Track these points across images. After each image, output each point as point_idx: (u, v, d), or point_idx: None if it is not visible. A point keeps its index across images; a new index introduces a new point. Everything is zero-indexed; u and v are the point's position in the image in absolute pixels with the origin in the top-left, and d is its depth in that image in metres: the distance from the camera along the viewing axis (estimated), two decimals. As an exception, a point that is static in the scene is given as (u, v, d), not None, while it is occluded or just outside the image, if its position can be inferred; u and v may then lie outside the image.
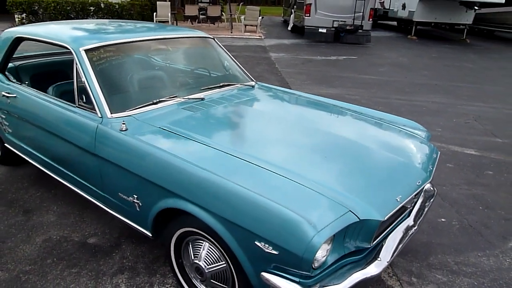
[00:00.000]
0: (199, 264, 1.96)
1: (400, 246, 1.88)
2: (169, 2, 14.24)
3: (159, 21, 13.15)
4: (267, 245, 1.55)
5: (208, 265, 1.94)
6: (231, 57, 3.30)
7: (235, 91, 2.88)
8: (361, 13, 12.45)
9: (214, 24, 15.26)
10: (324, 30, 12.80)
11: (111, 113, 2.26)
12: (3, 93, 2.89)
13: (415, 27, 15.17)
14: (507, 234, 2.93)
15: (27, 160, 3.02)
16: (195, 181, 1.75)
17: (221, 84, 2.89)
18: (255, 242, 1.59)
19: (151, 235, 2.16)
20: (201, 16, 14.62)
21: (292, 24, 15.51)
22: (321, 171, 1.84)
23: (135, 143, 2.02)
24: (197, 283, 2.08)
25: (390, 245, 1.84)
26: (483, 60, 11.06)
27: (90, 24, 3.14)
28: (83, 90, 2.39)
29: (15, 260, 2.39)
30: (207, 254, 1.94)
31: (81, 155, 2.35)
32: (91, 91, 2.31)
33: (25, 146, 2.96)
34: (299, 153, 2.03)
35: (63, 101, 2.51)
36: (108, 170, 2.20)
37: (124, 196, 2.17)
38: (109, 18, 12.89)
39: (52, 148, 2.65)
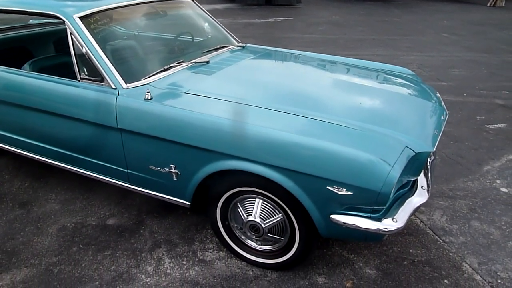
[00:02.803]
0: (255, 221, 1.99)
1: (431, 174, 2.10)
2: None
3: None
4: (341, 188, 1.64)
5: (264, 221, 1.98)
6: (215, 20, 3.21)
7: (233, 52, 2.83)
8: (290, -26, 12.53)
9: (137, -7, 14.27)
10: (256, -7, 12.69)
11: (126, 84, 2.11)
12: (-29, 76, 2.51)
13: (339, -14, 15.67)
14: (480, 161, 3.36)
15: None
16: (255, 139, 1.75)
17: (218, 46, 2.82)
18: (327, 187, 1.66)
19: (189, 203, 2.13)
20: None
21: (220, -11, 15.08)
22: (363, 116, 1.93)
23: (171, 111, 1.92)
24: (250, 241, 2.12)
25: (424, 174, 2.05)
26: (407, 14, 11.91)
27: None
28: (84, 63, 2.19)
29: (36, 254, 2.20)
30: (261, 210, 1.98)
31: (95, 132, 2.19)
32: (98, 62, 2.12)
33: (6, 134, 2.64)
34: (335, 101, 2.11)
35: (59, 77, 2.27)
36: (135, 144, 2.09)
37: (157, 168, 2.09)
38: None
39: (50, 130, 2.40)
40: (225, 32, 3.16)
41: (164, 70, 2.30)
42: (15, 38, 3.26)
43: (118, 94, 2.07)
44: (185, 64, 2.42)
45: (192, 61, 2.47)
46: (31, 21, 3.66)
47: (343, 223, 1.71)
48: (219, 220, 2.13)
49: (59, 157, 2.48)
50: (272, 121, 1.81)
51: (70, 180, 2.86)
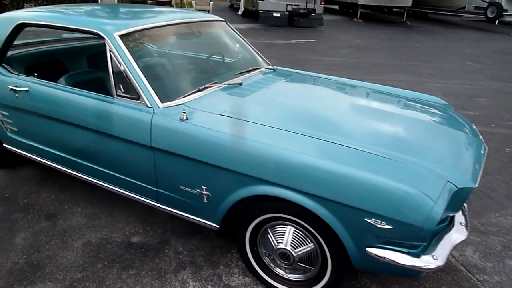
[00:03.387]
0: (285, 249, 1.94)
1: (468, 209, 2.03)
2: (114, -13, 13.37)
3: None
4: (380, 221, 1.59)
5: (295, 249, 1.93)
6: (246, 42, 3.25)
7: (264, 75, 2.83)
8: (313, -3, 12.70)
9: (162, 10, 14.67)
10: (279, 14, 12.88)
11: (161, 103, 2.12)
12: (10, 87, 2.57)
13: (360, 10, 15.83)
14: (511, 195, 3.25)
15: (27, 161, 2.75)
16: (291, 165, 1.72)
17: (250, 68, 2.84)
18: (365, 219, 1.61)
19: (218, 226, 2.10)
20: (149, 1, 13.97)
21: (243, 9, 15.37)
22: (402, 147, 1.89)
23: (207, 132, 1.92)
24: (278, 269, 2.07)
25: (461, 210, 1.98)
26: (428, 41, 11.88)
27: (102, 8, 2.88)
28: (121, 80, 2.21)
29: (61, 269, 2.19)
30: (293, 237, 1.93)
31: (128, 149, 2.19)
32: (136, 80, 2.15)
33: (37, 145, 2.68)
34: (371, 129, 2.07)
35: (96, 93, 2.30)
36: (167, 163, 2.08)
37: (188, 189, 2.07)
38: (49, 4, 11.77)
39: (82, 144, 2.42)
40: (256, 54, 3.19)
41: (199, 90, 2.31)
42: (49, 52, 3.34)
43: (154, 113, 2.08)
44: (218, 85, 2.44)
45: (226, 83, 2.48)
46: (64, 35, 3.76)
47: (381, 257, 1.65)
48: (248, 245, 2.08)
49: (88, 171, 2.49)
50: (308, 148, 1.78)
51: (95, 193, 2.87)
